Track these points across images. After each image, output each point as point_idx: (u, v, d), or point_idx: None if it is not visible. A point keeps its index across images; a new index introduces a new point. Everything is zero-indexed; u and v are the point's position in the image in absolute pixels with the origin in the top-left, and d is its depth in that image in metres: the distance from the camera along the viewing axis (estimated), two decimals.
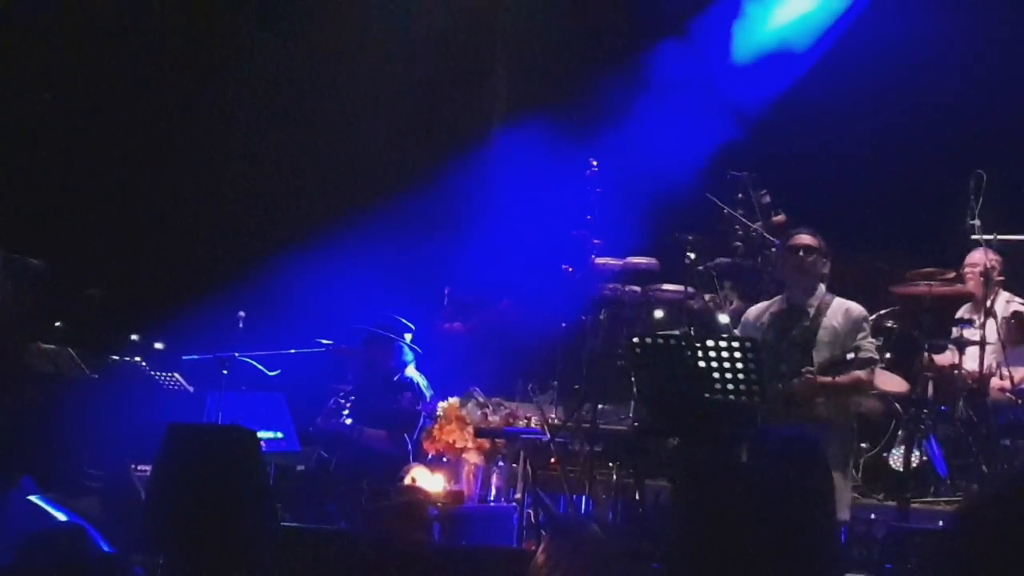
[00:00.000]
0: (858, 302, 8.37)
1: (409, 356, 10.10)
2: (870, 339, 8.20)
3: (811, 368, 7.91)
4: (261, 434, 8.40)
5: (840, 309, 8.17)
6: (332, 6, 12.87)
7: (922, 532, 8.39)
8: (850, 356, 7.85)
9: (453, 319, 11.69)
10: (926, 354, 9.68)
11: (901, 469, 9.50)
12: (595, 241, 10.71)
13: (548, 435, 9.32)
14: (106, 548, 5.22)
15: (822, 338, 8.07)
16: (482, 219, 11.81)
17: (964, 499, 9.08)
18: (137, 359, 10.84)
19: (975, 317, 9.83)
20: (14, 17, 12.18)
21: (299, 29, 12.85)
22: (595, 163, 10.73)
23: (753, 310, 8.54)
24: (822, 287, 8.30)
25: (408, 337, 10.09)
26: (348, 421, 9.76)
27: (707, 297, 10.72)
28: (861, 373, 8.02)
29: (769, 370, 7.83)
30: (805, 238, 8.32)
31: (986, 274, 9.65)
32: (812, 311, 8.18)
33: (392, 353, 10.09)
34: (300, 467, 10.05)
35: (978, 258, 9.79)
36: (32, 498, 8.72)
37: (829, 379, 7.87)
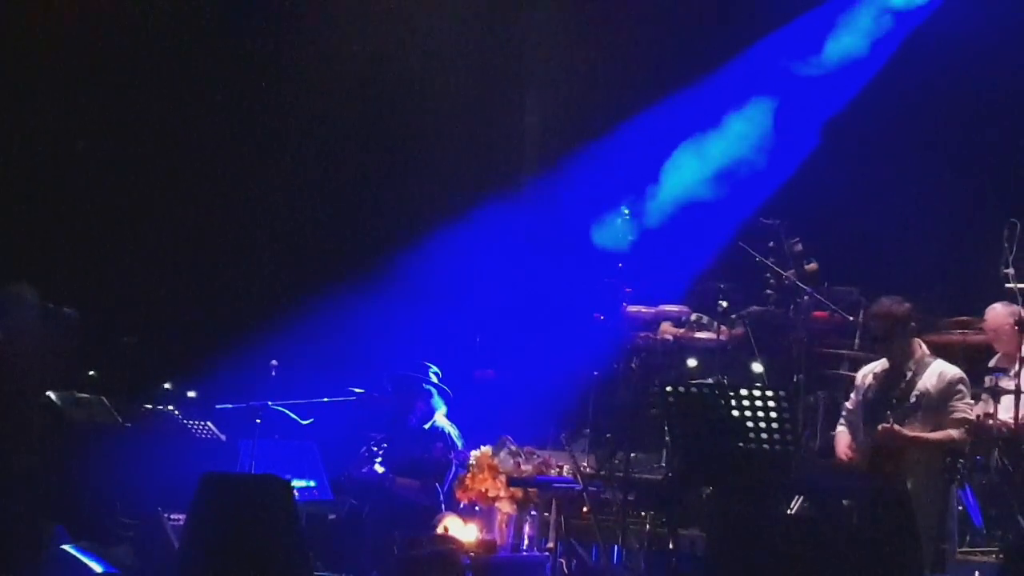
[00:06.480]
0: None
1: (438, 400, 10.04)
2: (967, 400, 8.32)
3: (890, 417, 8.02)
4: (294, 483, 8.39)
5: (935, 372, 8.31)
6: (370, 50, 12.90)
7: None
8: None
9: (485, 366, 11.69)
10: None
11: None
12: (627, 289, 10.71)
13: (581, 484, 9.30)
14: None
15: (914, 400, 8.22)
16: (513, 267, 11.84)
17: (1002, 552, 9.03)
18: (170, 408, 10.87)
19: (1009, 366, 9.76)
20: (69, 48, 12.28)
21: (333, 71, 12.91)
22: (627, 211, 10.74)
23: (863, 369, 8.70)
24: (921, 349, 8.46)
25: (433, 378, 10.04)
26: (380, 469, 9.72)
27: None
28: (953, 432, 8.13)
29: (865, 431, 8.16)
30: (873, 308, 8.58)
31: (1020, 323, 9.58)
32: (909, 374, 8.32)
33: (418, 393, 10.04)
34: (332, 516, 10.03)
35: (994, 317, 9.81)
36: (66, 547, 8.75)
37: (909, 432, 8.00)
